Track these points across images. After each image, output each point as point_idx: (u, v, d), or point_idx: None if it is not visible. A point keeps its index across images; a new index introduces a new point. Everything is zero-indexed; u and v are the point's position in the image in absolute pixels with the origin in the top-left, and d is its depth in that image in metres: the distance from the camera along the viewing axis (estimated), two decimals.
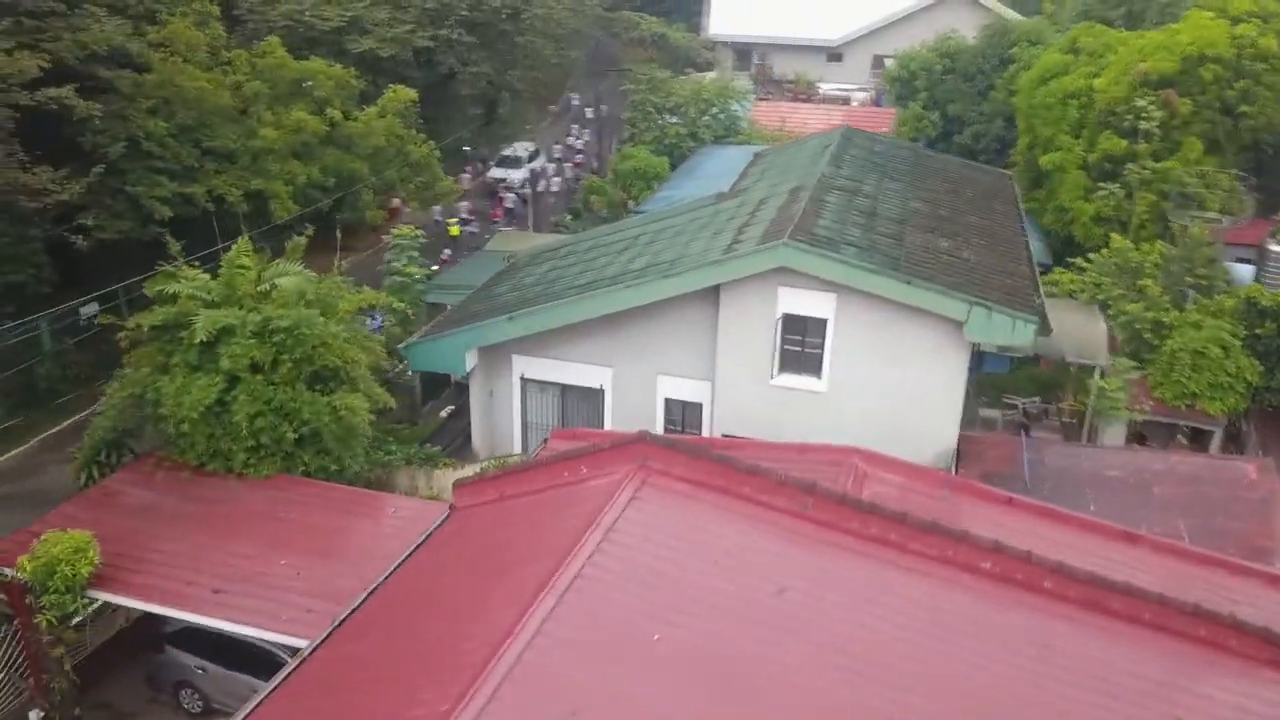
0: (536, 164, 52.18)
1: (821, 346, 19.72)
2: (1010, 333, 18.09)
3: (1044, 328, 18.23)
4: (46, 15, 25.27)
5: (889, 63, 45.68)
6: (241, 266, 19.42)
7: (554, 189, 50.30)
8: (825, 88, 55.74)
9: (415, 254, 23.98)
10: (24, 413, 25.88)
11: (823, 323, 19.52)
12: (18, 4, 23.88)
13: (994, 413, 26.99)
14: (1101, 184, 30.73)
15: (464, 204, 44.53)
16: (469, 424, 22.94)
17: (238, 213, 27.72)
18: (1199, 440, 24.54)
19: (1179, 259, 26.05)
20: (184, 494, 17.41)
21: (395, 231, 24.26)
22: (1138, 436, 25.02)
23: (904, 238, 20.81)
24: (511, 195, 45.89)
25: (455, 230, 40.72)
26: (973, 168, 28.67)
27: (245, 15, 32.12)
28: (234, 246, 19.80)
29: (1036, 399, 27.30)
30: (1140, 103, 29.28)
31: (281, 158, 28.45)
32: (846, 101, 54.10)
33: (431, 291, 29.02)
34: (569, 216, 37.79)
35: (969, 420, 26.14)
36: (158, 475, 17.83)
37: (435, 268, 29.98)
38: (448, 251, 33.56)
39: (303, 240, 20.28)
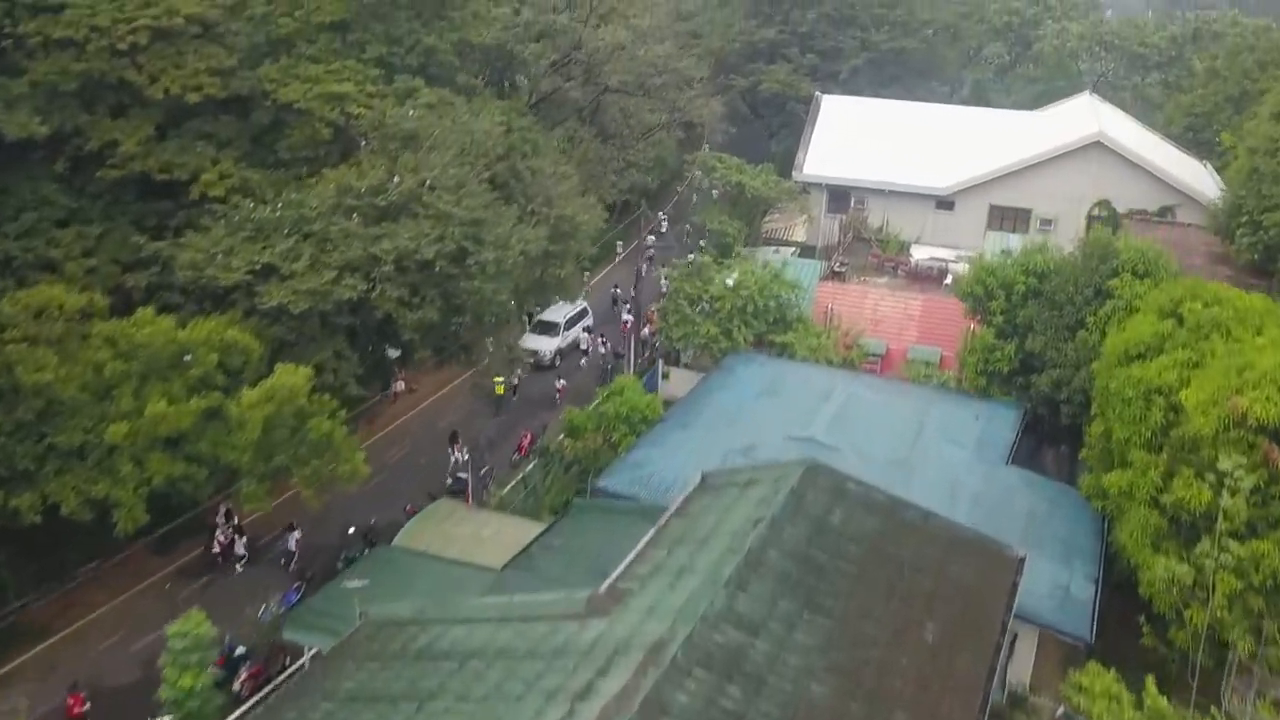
0: (575, 331, 47.10)
1: None
2: None
3: None
4: None
5: (966, 266, 37.83)
6: None
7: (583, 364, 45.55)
8: (918, 255, 48.00)
9: (197, 656, 19.09)
10: None
11: None
12: None
13: None
14: (1167, 547, 22.84)
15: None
16: None
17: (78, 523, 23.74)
18: None
19: None
20: None
21: (171, 630, 19.43)
22: None
23: None
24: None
25: (500, 389, 39.42)
26: (966, 550, 21.17)
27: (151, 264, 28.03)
28: None
29: None
30: (1225, 465, 21.26)
31: (141, 451, 24.29)
32: (943, 275, 46.27)
33: (289, 626, 24.25)
34: (535, 461, 32.31)
35: None
36: None
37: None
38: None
39: None
